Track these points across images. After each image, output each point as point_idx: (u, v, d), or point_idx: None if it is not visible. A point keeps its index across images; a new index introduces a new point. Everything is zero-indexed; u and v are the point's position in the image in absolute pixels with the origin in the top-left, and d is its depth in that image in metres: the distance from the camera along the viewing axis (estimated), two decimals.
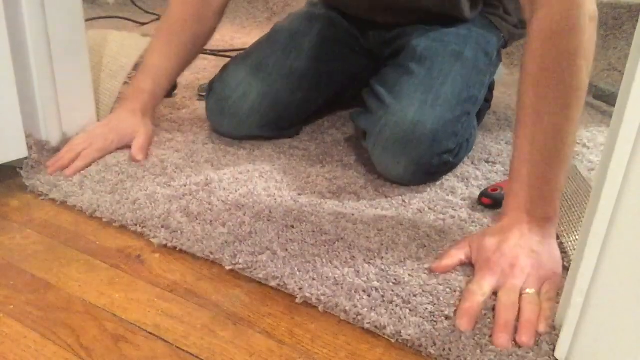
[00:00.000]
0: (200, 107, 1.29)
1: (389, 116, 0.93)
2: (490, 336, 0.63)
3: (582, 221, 0.79)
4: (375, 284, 0.71)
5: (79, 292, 0.72)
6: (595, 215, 0.54)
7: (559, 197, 0.73)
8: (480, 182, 0.98)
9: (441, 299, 0.69)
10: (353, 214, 0.87)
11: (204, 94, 1.28)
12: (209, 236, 0.81)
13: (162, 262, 0.78)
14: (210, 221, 0.84)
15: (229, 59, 1.17)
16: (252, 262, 0.75)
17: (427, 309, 0.68)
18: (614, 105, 0.56)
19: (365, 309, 0.67)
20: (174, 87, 1.38)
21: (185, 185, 0.94)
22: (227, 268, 0.76)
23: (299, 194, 0.93)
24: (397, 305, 0.68)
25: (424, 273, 0.74)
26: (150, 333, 0.66)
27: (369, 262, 0.75)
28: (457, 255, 0.75)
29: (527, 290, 0.66)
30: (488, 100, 1.19)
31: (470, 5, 1.07)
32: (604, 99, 1.37)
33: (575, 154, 1.10)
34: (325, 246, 0.79)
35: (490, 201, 0.90)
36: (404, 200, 0.92)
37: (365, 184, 0.97)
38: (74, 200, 0.90)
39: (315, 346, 0.64)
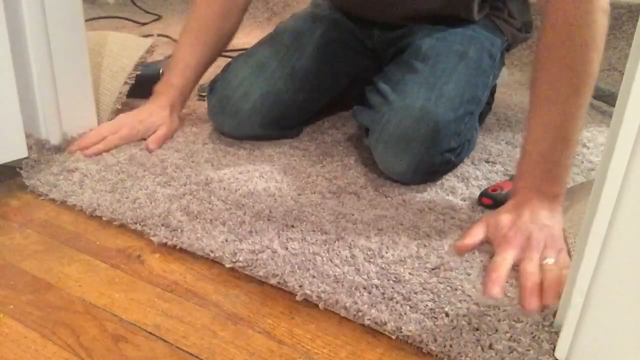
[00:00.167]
0: (201, 107, 1.29)
1: (392, 113, 0.93)
2: (518, 304, 0.67)
3: (582, 221, 0.79)
4: (376, 281, 0.71)
5: (79, 292, 0.72)
6: (595, 215, 0.54)
7: (566, 176, 0.79)
8: (480, 182, 0.98)
9: (442, 296, 0.69)
10: (353, 214, 0.87)
11: (204, 94, 1.28)
12: (209, 235, 0.81)
13: (162, 262, 0.78)
14: (210, 220, 0.84)
15: (229, 59, 1.17)
16: (252, 260, 0.75)
17: (427, 305, 0.68)
18: (614, 105, 0.56)
19: (366, 306, 0.67)
20: None
21: (185, 185, 0.94)
22: (227, 266, 0.76)
23: (299, 194, 0.93)
24: (397, 302, 0.68)
25: (424, 271, 0.74)
26: (150, 333, 0.66)
27: (369, 261, 0.76)
28: (478, 234, 0.80)
29: (547, 260, 0.71)
30: (489, 103, 1.19)
31: (478, 8, 1.07)
32: (604, 99, 1.37)
33: (575, 154, 1.10)
34: (325, 245, 0.79)
35: (490, 201, 0.90)
36: (404, 200, 0.92)
37: (365, 184, 0.97)
38: (74, 199, 0.90)
39: (315, 346, 0.64)
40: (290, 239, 0.80)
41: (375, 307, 0.67)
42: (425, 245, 0.79)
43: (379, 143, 0.94)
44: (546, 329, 0.64)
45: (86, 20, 1.10)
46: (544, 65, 0.78)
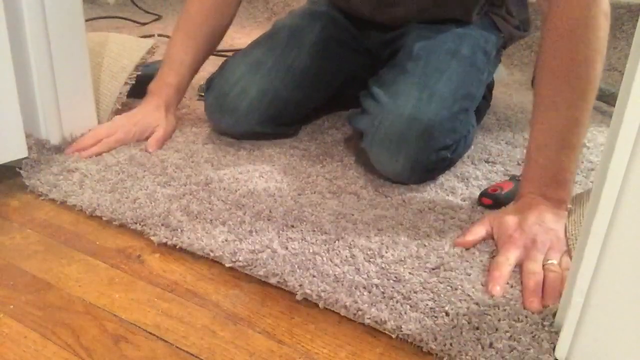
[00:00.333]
0: (200, 107, 1.29)
1: (384, 114, 0.94)
2: (521, 302, 0.68)
3: (582, 222, 0.79)
4: (376, 281, 0.71)
5: (79, 292, 0.72)
6: (595, 215, 0.54)
7: (571, 181, 0.79)
8: (480, 182, 0.98)
9: (442, 295, 0.69)
10: (353, 214, 0.87)
11: (203, 94, 1.28)
12: (209, 234, 0.81)
13: (162, 262, 0.78)
14: (210, 220, 0.84)
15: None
16: (252, 259, 0.75)
17: (427, 305, 0.68)
18: (614, 105, 0.56)
19: (366, 305, 0.67)
20: None
21: (185, 185, 0.94)
22: (227, 266, 0.76)
23: (299, 194, 0.93)
24: (397, 302, 0.68)
25: (424, 271, 0.74)
26: (150, 333, 0.66)
27: (369, 261, 0.76)
28: (480, 232, 0.80)
29: (550, 261, 0.72)
30: (487, 99, 1.19)
31: (477, 11, 1.07)
32: (604, 99, 1.37)
33: (580, 159, 1.10)
34: (325, 245, 0.79)
35: (490, 201, 0.90)
36: (404, 200, 0.92)
37: (365, 184, 0.97)
38: (74, 199, 0.90)
39: (315, 346, 0.64)
40: (290, 238, 0.80)
41: (375, 306, 0.68)
42: (425, 245, 0.79)
43: (374, 146, 0.95)
44: (546, 328, 0.64)
45: (86, 20, 1.10)
46: (548, 69, 0.78)
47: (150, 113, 1.09)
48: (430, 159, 0.93)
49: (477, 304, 0.68)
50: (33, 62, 0.98)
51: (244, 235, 0.81)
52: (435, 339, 0.63)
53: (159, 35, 1.90)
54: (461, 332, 0.64)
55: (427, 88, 0.94)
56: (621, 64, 1.61)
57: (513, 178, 0.97)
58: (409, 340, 0.64)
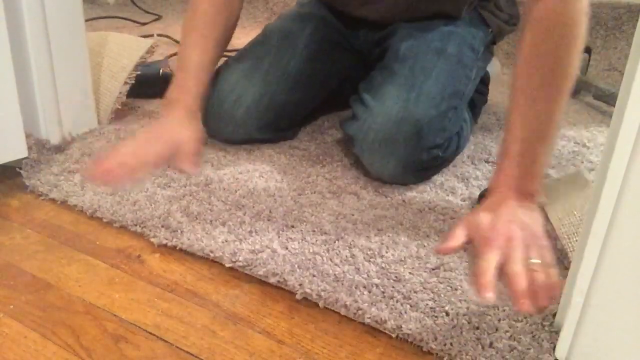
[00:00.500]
0: None
1: (373, 118, 0.94)
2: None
3: (582, 222, 0.79)
4: (376, 280, 0.71)
5: (79, 292, 0.72)
6: (595, 215, 0.54)
7: (543, 173, 0.79)
8: (480, 182, 0.98)
9: (442, 295, 0.69)
10: (353, 214, 0.87)
11: None
12: (209, 235, 0.81)
13: (162, 262, 0.78)
14: (210, 221, 0.84)
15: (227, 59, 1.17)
16: (252, 259, 0.75)
17: (427, 304, 0.68)
18: (614, 105, 0.56)
19: (366, 304, 0.67)
20: None
21: (185, 186, 0.94)
22: (227, 266, 0.76)
23: (299, 194, 0.93)
24: (397, 301, 0.68)
25: (425, 271, 0.74)
26: (150, 333, 0.66)
27: (369, 261, 0.76)
28: (460, 236, 0.77)
29: (533, 260, 0.69)
30: (483, 93, 1.19)
31: (467, 5, 1.07)
32: (604, 99, 1.37)
33: (575, 154, 1.10)
34: (325, 245, 0.79)
35: None
36: (404, 200, 0.92)
37: (365, 184, 0.97)
38: (75, 200, 0.90)
39: (315, 346, 0.64)
40: (290, 238, 0.80)
41: (375, 305, 0.68)
42: (425, 245, 0.79)
43: (365, 150, 0.95)
44: (546, 328, 0.65)
45: (86, 20, 1.10)
46: (526, 62, 0.78)
47: (176, 125, 0.94)
48: (422, 158, 0.93)
49: (477, 304, 0.68)
50: (33, 62, 0.98)
51: (244, 235, 0.81)
52: (436, 338, 0.63)
53: (159, 35, 1.90)
54: (461, 332, 0.64)
55: (415, 88, 0.94)
56: (621, 64, 1.61)
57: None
58: (409, 340, 0.64)
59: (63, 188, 0.93)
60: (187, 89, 0.99)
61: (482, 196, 0.91)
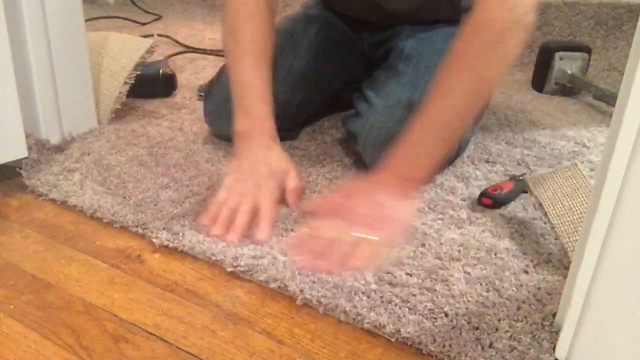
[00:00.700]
0: (200, 107, 1.29)
1: (376, 116, 0.94)
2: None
3: (582, 221, 0.79)
4: (374, 285, 0.71)
5: (79, 292, 0.72)
6: (595, 215, 0.54)
7: (430, 166, 0.81)
8: (480, 182, 0.98)
9: (440, 296, 0.69)
10: None
11: (203, 94, 1.28)
12: (210, 238, 0.80)
13: (162, 262, 0.78)
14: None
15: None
16: (253, 265, 0.75)
17: (426, 306, 0.68)
18: (614, 105, 0.56)
19: (365, 309, 0.67)
20: (174, 86, 1.38)
21: (187, 187, 0.94)
22: (228, 270, 0.76)
23: None
24: (396, 305, 0.68)
25: (423, 272, 0.74)
26: (150, 333, 0.66)
27: None
28: (322, 204, 0.81)
29: (353, 233, 0.73)
30: None
31: (467, 12, 1.07)
32: (604, 99, 1.37)
33: (575, 154, 1.10)
34: None
35: (490, 201, 0.90)
36: None
37: None
38: (75, 200, 0.90)
39: (315, 346, 0.64)
40: (291, 244, 0.80)
41: (374, 310, 0.67)
42: (424, 245, 0.79)
43: (367, 148, 0.95)
44: (546, 328, 0.65)
45: (86, 20, 1.10)
46: (451, 55, 0.80)
47: (270, 158, 0.87)
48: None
49: (476, 304, 0.68)
50: (33, 62, 0.98)
51: (245, 240, 0.80)
52: (435, 340, 0.63)
53: (159, 35, 1.90)
54: (460, 333, 0.64)
55: (418, 88, 0.94)
56: (621, 64, 1.61)
57: (513, 178, 0.97)
58: (408, 343, 0.64)
59: (63, 188, 0.93)
60: (260, 116, 0.91)
61: (482, 196, 0.91)
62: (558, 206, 0.87)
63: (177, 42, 1.84)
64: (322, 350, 0.64)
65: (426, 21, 1.08)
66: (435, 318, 0.66)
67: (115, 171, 0.98)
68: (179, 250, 0.80)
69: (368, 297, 0.69)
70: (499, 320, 0.66)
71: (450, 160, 1.03)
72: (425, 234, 0.82)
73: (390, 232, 0.75)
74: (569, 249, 0.78)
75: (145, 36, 1.64)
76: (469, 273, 0.74)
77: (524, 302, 0.69)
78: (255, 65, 0.93)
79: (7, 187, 0.97)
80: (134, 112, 1.25)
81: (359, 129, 0.97)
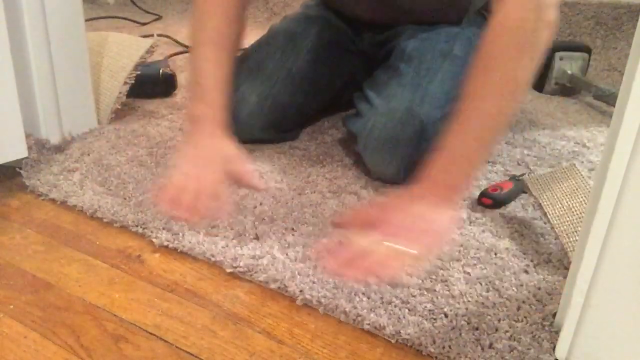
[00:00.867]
0: None
1: (377, 117, 0.94)
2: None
3: (581, 221, 0.79)
4: (374, 286, 0.71)
5: (79, 292, 0.72)
6: (595, 215, 0.54)
7: (472, 173, 0.78)
8: (480, 182, 0.98)
9: (440, 297, 0.69)
10: None
11: None
12: (210, 239, 0.81)
13: (162, 262, 0.78)
14: (212, 223, 0.84)
15: None
16: (253, 265, 0.75)
17: (426, 307, 0.68)
18: (614, 105, 0.56)
19: (365, 310, 0.67)
20: (174, 86, 1.38)
21: None
22: (228, 271, 0.76)
23: (299, 194, 0.92)
24: (395, 306, 0.68)
25: (423, 272, 0.74)
26: (150, 333, 0.66)
27: None
28: (358, 218, 0.76)
29: (386, 242, 0.68)
30: None
31: (469, 15, 1.07)
32: (604, 99, 1.37)
33: (575, 154, 1.10)
34: None
35: (490, 201, 0.90)
36: None
37: (365, 184, 0.97)
38: (75, 200, 0.90)
39: (315, 346, 0.64)
40: (291, 244, 0.80)
41: (374, 311, 0.67)
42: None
43: (367, 148, 0.95)
44: (546, 328, 0.65)
45: (86, 20, 1.10)
46: (479, 59, 0.78)
47: (217, 141, 0.87)
48: (424, 159, 0.93)
49: (476, 304, 0.68)
50: (33, 62, 0.98)
51: (245, 240, 0.81)
52: (434, 341, 0.63)
53: (159, 35, 1.90)
54: (460, 334, 0.64)
55: (420, 89, 0.94)
56: (621, 64, 1.61)
57: (513, 178, 0.97)
58: (408, 345, 0.64)
59: (63, 188, 0.93)
60: (211, 103, 0.91)
61: (482, 196, 0.91)
62: (557, 206, 0.87)
63: (177, 42, 1.84)
64: (322, 351, 0.64)
65: (428, 21, 1.07)
66: (435, 319, 0.66)
67: (115, 171, 0.98)
68: (178, 250, 0.80)
69: (368, 298, 0.69)
70: (499, 320, 0.66)
71: None
72: None
73: (429, 244, 0.71)
74: (569, 249, 0.78)
75: (145, 36, 1.64)
76: (468, 273, 0.74)
77: (524, 302, 0.69)
78: (216, 54, 0.93)
79: (7, 187, 0.97)
80: (134, 112, 1.25)
81: (360, 129, 0.97)
